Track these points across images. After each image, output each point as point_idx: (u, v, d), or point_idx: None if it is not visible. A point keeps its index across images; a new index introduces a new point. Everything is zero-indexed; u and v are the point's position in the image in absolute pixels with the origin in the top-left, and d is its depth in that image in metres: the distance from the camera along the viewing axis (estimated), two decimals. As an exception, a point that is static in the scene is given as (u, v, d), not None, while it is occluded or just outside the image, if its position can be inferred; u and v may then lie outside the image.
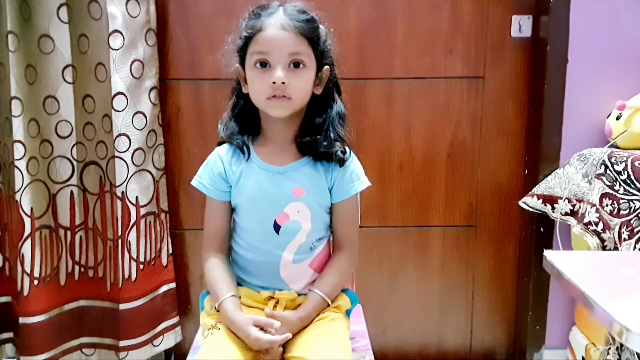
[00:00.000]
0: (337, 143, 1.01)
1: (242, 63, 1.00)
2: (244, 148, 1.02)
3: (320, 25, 0.99)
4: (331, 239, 1.10)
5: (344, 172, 1.03)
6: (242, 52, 0.99)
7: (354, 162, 1.05)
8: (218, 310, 0.98)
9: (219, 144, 1.08)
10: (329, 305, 1.02)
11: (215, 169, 1.03)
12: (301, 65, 0.95)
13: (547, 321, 1.67)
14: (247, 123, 1.04)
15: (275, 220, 1.00)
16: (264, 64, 0.95)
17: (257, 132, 1.05)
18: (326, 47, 1.01)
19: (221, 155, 1.05)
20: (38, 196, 1.49)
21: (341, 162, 1.01)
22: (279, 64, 0.94)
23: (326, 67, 1.01)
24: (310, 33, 0.96)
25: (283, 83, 0.93)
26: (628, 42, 1.54)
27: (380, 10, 1.58)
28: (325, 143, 1.00)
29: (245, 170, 1.02)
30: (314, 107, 1.02)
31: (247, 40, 0.96)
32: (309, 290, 1.02)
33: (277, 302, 1.02)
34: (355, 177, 1.04)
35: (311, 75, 0.98)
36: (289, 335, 0.92)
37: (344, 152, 1.01)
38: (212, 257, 1.04)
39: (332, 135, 1.01)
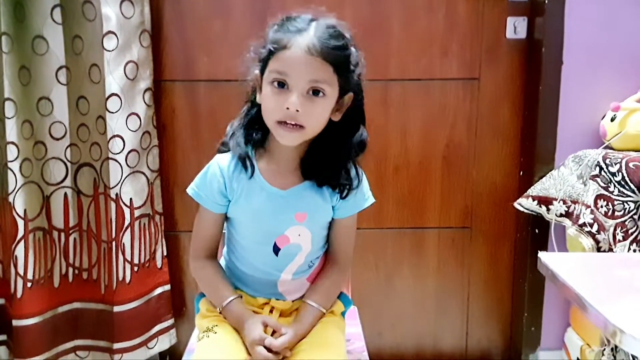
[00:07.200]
0: (344, 174, 0.96)
1: (262, 72, 0.92)
2: (247, 164, 0.94)
3: (352, 49, 0.92)
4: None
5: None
6: (264, 62, 0.91)
7: (362, 181, 1.00)
8: (221, 312, 0.98)
9: (219, 151, 1.01)
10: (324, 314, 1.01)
11: (215, 183, 0.96)
12: (320, 94, 0.88)
13: (542, 322, 1.67)
14: (257, 132, 0.97)
15: (275, 243, 0.98)
16: (281, 84, 0.87)
17: (264, 144, 0.98)
18: (354, 73, 0.93)
19: (222, 167, 0.97)
20: (32, 198, 1.48)
21: (346, 195, 0.97)
22: (297, 88, 0.86)
23: (349, 94, 0.93)
24: (337, 60, 0.88)
25: (297, 111, 0.86)
26: (623, 44, 1.54)
27: (376, 12, 1.58)
28: (332, 174, 0.95)
29: (247, 188, 0.96)
30: (328, 131, 0.94)
31: (270, 54, 0.89)
32: (306, 302, 1.00)
33: (272, 309, 1.00)
34: (360, 195, 1.00)
35: (330, 104, 0.91)
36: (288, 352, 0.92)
37: (349, 187, 0.96)
38: (206, 262, 1.02)
39: (340, 165, 0.95)
